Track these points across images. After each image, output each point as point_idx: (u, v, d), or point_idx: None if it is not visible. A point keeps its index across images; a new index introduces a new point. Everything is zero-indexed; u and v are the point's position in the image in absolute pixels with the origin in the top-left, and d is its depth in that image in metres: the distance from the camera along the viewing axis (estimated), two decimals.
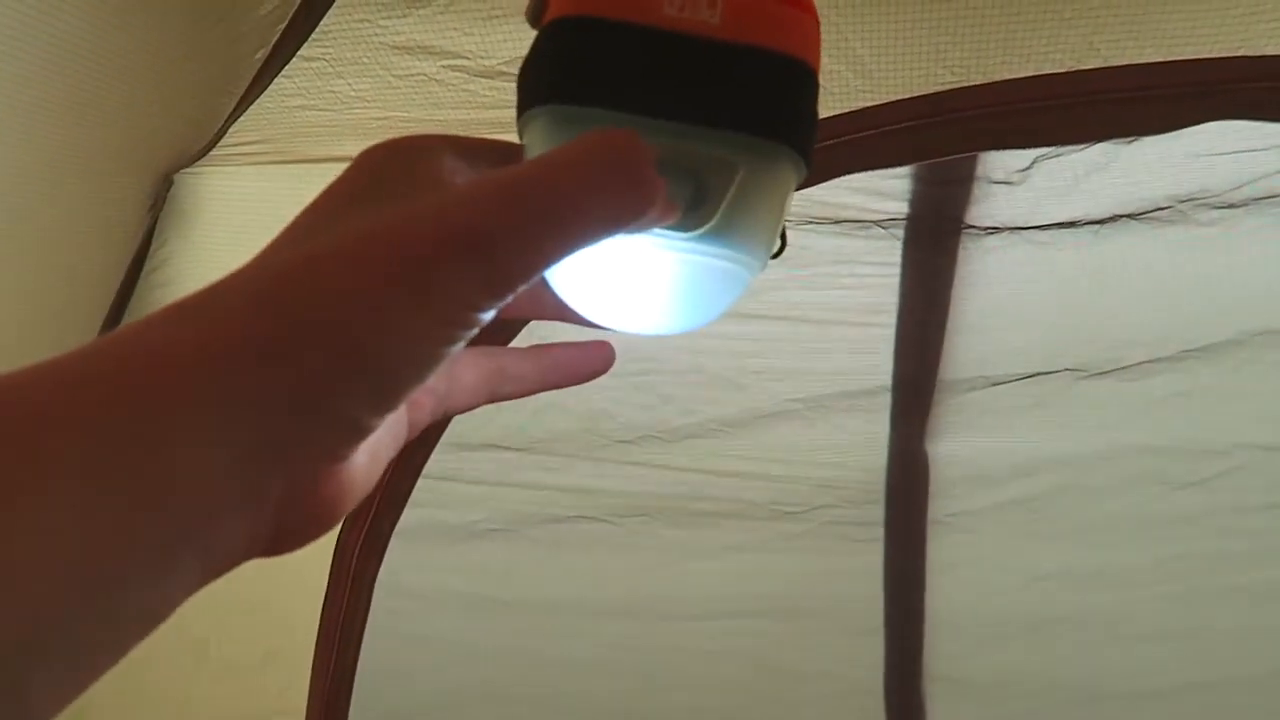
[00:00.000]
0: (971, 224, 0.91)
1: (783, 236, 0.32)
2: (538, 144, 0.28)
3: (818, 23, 0.30)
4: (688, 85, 0.27)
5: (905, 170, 0.91)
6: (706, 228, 0.28)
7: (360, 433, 0.24)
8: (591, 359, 0.35)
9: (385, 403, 0.23)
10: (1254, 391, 0.93)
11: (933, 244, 0.95)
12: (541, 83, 0.28)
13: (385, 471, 0.92)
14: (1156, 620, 1.12)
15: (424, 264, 0.22)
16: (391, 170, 0.26)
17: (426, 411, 0.31)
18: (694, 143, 0.27)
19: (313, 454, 0.23)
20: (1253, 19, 0.67)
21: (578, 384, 0.36)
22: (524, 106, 0.29)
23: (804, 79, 0.29)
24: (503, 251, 0.22)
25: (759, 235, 0.29)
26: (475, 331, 0.24)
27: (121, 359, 0.21)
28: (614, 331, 0.32)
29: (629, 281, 0.29)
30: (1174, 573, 1.08)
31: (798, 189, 0.30)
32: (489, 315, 0.24)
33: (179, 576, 0.21)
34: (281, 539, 0.24)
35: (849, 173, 0.78)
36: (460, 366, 0.27)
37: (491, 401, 0.34)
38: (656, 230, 0.27)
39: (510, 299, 0.23)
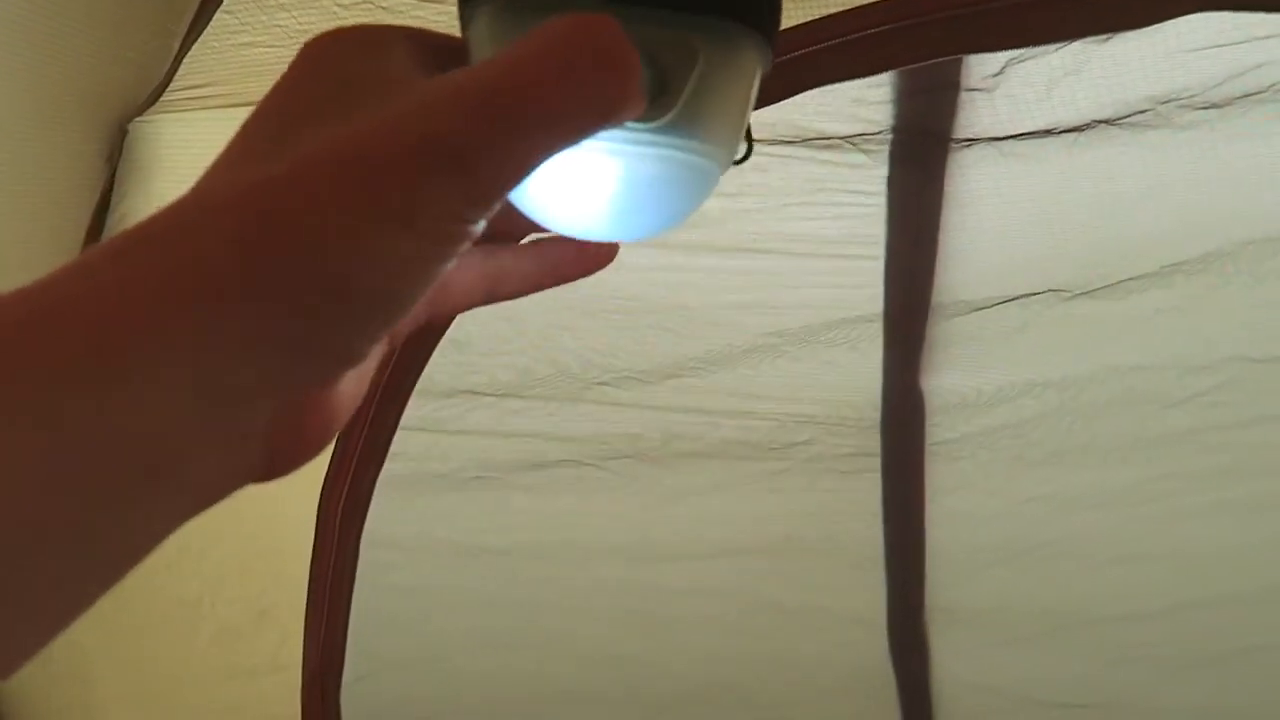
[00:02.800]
0: (950, 137, 0.89)
1: (749, 139, 0.30)
2: (486, 34, 0.26)
3: None
4: None
5: (884, 82, 0.87)
6: (668, 118, 0.26)
7: (352, 361, 0.23)
8: (594, 251, 0.33)
9: (378, 330, 0.22)
10: (1242, 302, 0.91)
11: (917, 161, 0.92)
12: None
13: (362, 423, 0.90)
14: (1147, 540, 1.11)
15: (405, 182, 0.21)
16: (346, 69, 0.24)
17: (413, 319, 0.30)
18: (651, 27, 0.25)
19: (301, 387, 0.23)
20: None
21: (580, 278, 0.33)
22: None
23: None
24: (485, 162, 0.21)
25: (724, 126, 0.28)
26: (468, 244, 0.23)
27: (81, 297, 0.20)
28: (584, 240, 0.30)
29: (589, 184, 0.27)
30: (1165, 491, 1.07)
31: (762, 82, 0.29)
32: (479, 227, 0.22)
33: (153, 513, 0.21)
34: (274, 465, 0.24)
35: (817, 85, 0.75)
36: (455, 267, 0.26)
37: (490, 302, 0.32)
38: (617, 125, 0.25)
39: (498, 207, 0.22)
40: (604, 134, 0.25)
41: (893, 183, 0.94)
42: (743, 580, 1.26)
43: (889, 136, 0.89)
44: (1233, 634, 1.14)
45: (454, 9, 0.27)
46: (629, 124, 0.26)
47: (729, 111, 0.28)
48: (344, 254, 0.21)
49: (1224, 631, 1.14)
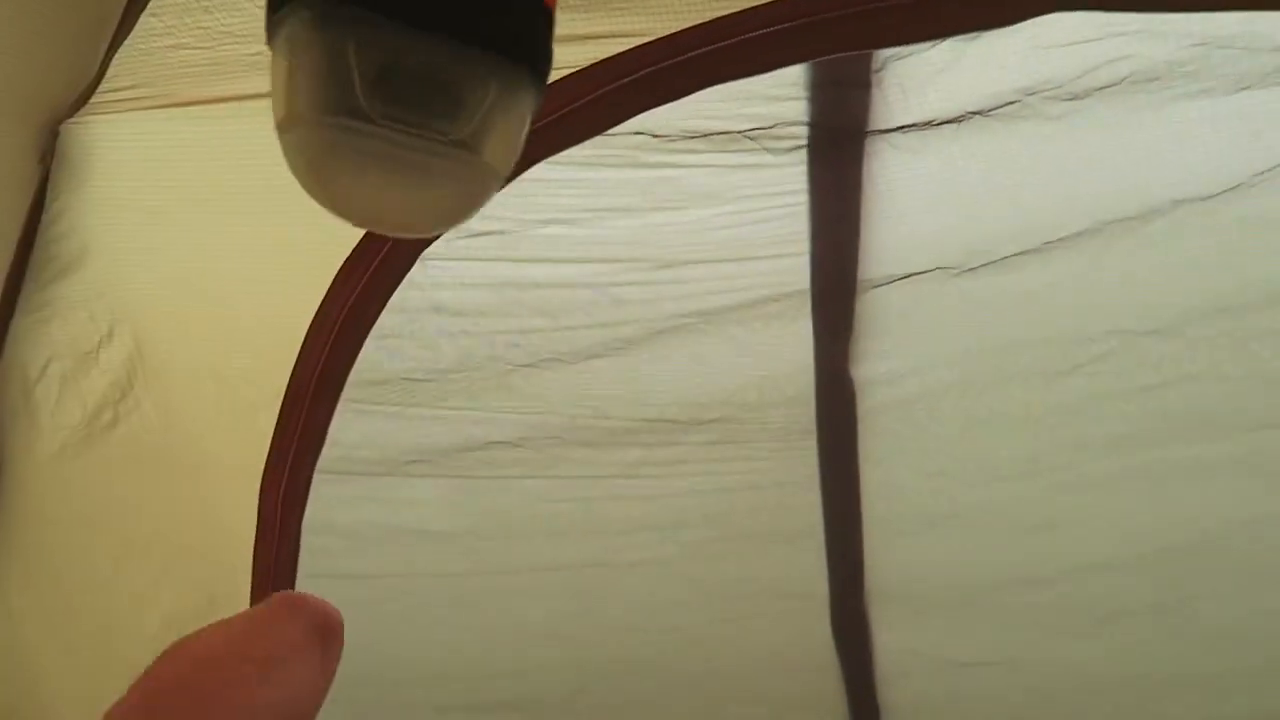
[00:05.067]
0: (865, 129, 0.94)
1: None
2: (290, 50, 0.30)
3: None
4: (450, 3, 0.30)
5: (796, 79, 0.92)
6: (462, 133, 0.31)
7: None
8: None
9: None
10: (1115, 278, 0.98)
11: (828, 155, 0.97)
12: None
13: (299, 413, 0.93)
14: (1046, 509, 1.17)
15: None
16: None
17: None
18: (452, 56, 0.30)
19: None
20: None
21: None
22: (279, 3, 0.30)
23: (548, 14, 0.32)
24: None
25: (504, 149, 0.32)
26: None
27: None
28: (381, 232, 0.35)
29: (387, 182, 0.32)
30: (1061, 463, 1.13)
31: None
32: None
33: None
34: None
35: (705, 86, 0.80)
36: None
37: None
38: (418, 132, 0.30)
39: None
40: (403, 138, 0.29)
41: (812, 176, 0.99)
42: (681, 554, 1.30)
43: (803, 131, 0.95)
44: (1125, 596, 1.21)
45: None
46: (429, 133, 0.30)
47: (511, 137, 0.32)
48: None
49: (1118, 593, 1.21)
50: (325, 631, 0.26)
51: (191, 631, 0.25)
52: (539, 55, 0.32)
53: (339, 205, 0.32)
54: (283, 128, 0.31)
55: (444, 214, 0.34)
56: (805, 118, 0.94)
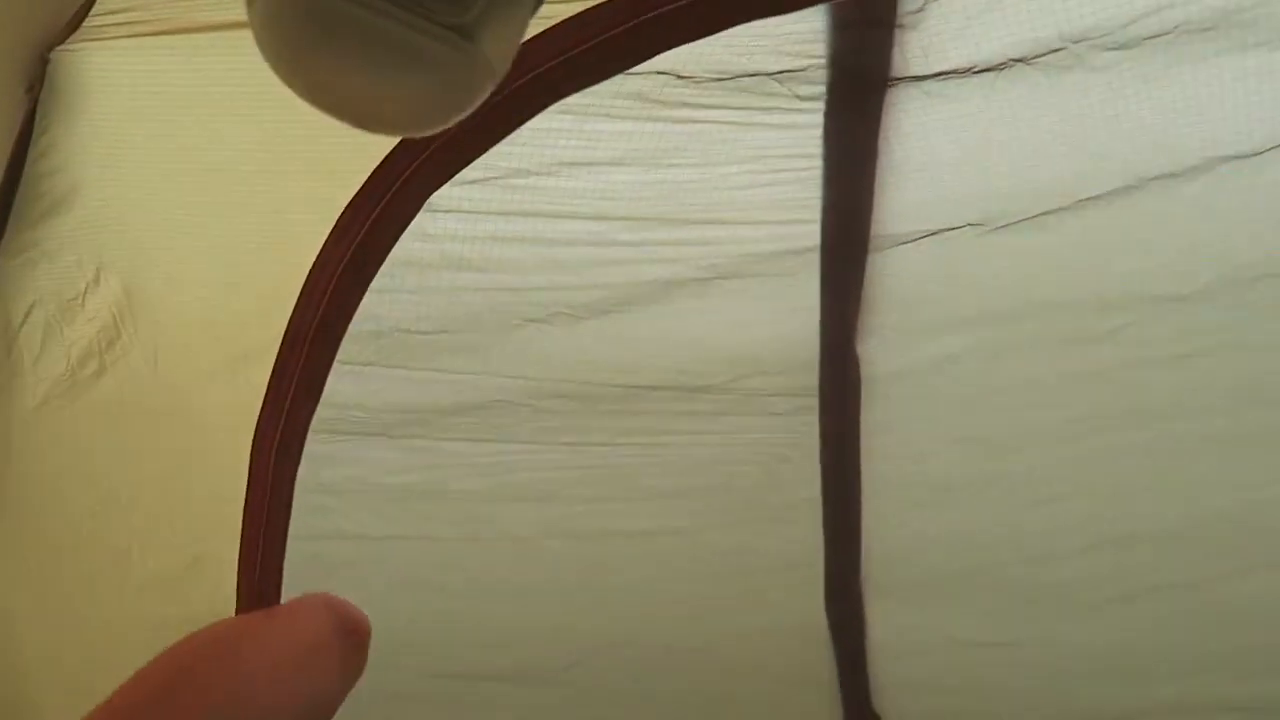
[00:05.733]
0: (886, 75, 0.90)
1: None
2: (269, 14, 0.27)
3: None
4: None
5: (816, 17, 0.88)
6: (461, 17, 0.27)
7: None
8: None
9: None
10: (1152, 240, 0.95)
11: (852, 100, 0.93)
12: None
13: (297, 361, 0.89)
14: (1065, 481, 1.15)
15: None
16: None
17: None
18: None
19: None
20: None
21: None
22: None
23: None
24: None
25: (502, 44, 0.29)
26: None
27: None
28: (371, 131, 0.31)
29: (370, 65, 0.28)
30: (1083, 431, 1.11)
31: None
32: None
33: None
34: None
35: (740, 23, 0.76)
36: None
37: None
38: (413, 8, 0.26)
39: None
40: (397, 13, 0.26)
41: (829, 121, 0.95)
42: (682, 521, 1.28)
43: (822, 73, 0.91)
44: (1142, 573, 1.19)
45: None
46: (426, 10, 0.27)
47: (512, 30, 0.29)
48: None
49: (1134, 571, 1.18)
50: (351, 637, 0.24)
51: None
52: None
53: (313, 90, 0.29)
54: (252, 4, 0.27)
55: (431, 109, 0.30)
56: (829, 60, 0.90)
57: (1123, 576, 1.20)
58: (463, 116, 0.30)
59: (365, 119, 0.30)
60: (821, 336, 1.11)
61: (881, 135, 0.94)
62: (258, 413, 1.10)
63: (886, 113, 0.92)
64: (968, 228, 0.94)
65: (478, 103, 0.30)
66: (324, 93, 0.29)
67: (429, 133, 0.30)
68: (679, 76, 0.85)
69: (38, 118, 0.99)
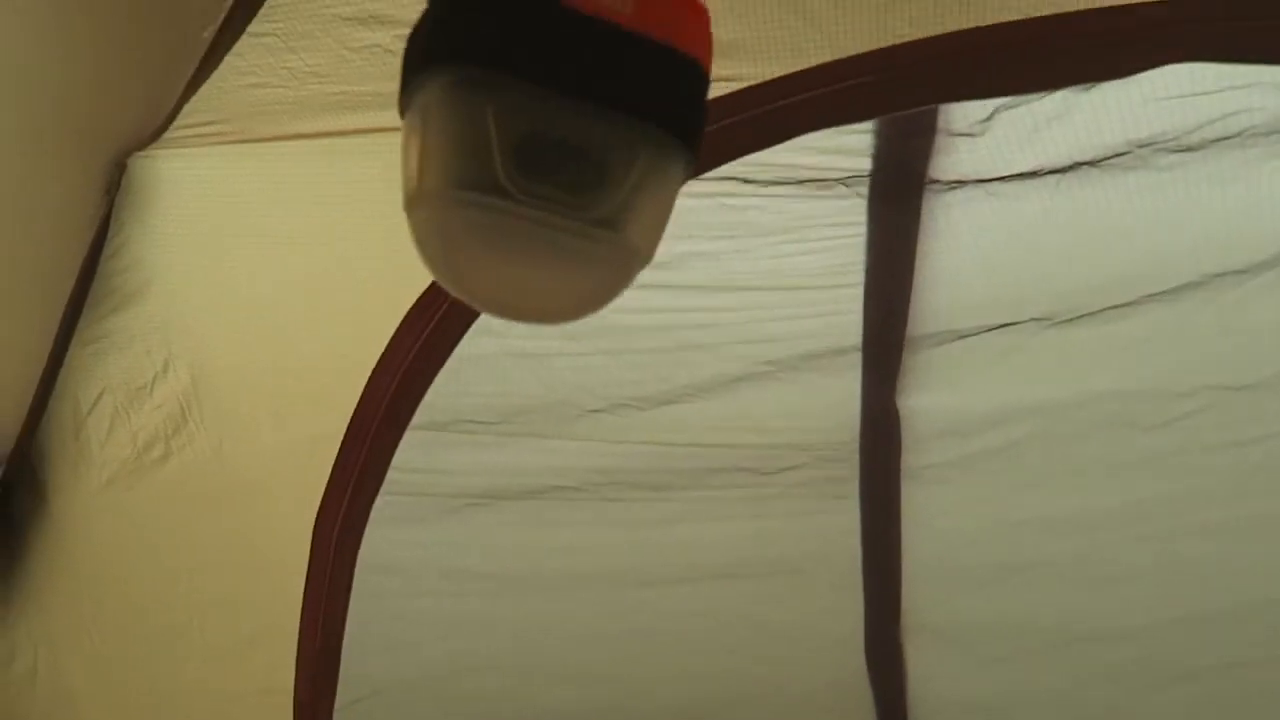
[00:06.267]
0: (935, 178, 0.92)
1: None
2: (423, 120, 0.27)
3: (710, 26, 0.30)
4: (598, 66, 0.27)
5: (867, 126, 0.91)
6: (606, 209, 0.28)
7: None
8: None
9: None
10: (1215, 332, 0.95)
11: (897, 200, 0.95)
12: (451, 40, 0.27)
13: (362, 444, 0.91)
14: (1128, 560, 1.14)
15: None
16: None
17: None
18: (599, 123, 0.27)
19: None
20: None
21: None
22: (417, 69, 0.27)
23: (702, 79, 0.29)
24: None
25: (650, 226, 0.29)
26: None
27: None
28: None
29: (522, 265, 0.29)
30: (1144, 514, 1.10)
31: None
32: None
33: None
34: None
35: (804, 131, 0.78)
36: None
37: None
38: (559, 209, 0.27)
39: None
40: (543, 216, 0.26)
41: (873, 219, 0.97)
42: (729, 602, 1.28)
43: (868, 176, 0.93)
44: (1208, 651, 1.17)
45: None
46: (571, 210, 0.27)
47: (657, 212, 0.30)
48: None
49: (1200, 649, 1.17)
50: None
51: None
52: (692, 121, 0.29)
53: (469, 290, 0.30)
54: (411, 205, 0.28)
55: (581, 301, 0.31)
56: (875, 162, 0.92)
57: (1187, 654, 1.19)
58: (611, 301, 0.31)
59: (519, 313, 0.31)
60: (862, 422, 1.13)
61: (929, 232, 0.96)
62: (319, 494, 1.11)
63: (940, 212, 0.94)
64: (1031, 322, 0.94)
65: (626, 287, 0.30)
66: (478, 292, 0.30)
67: (582, 318, 0.31)
68: (745, 181, 0.86)
69: (113, 218, 1.02)
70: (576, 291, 0.30)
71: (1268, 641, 1.14)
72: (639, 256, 0.30)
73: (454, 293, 0.30)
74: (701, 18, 0.29)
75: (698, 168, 0.87)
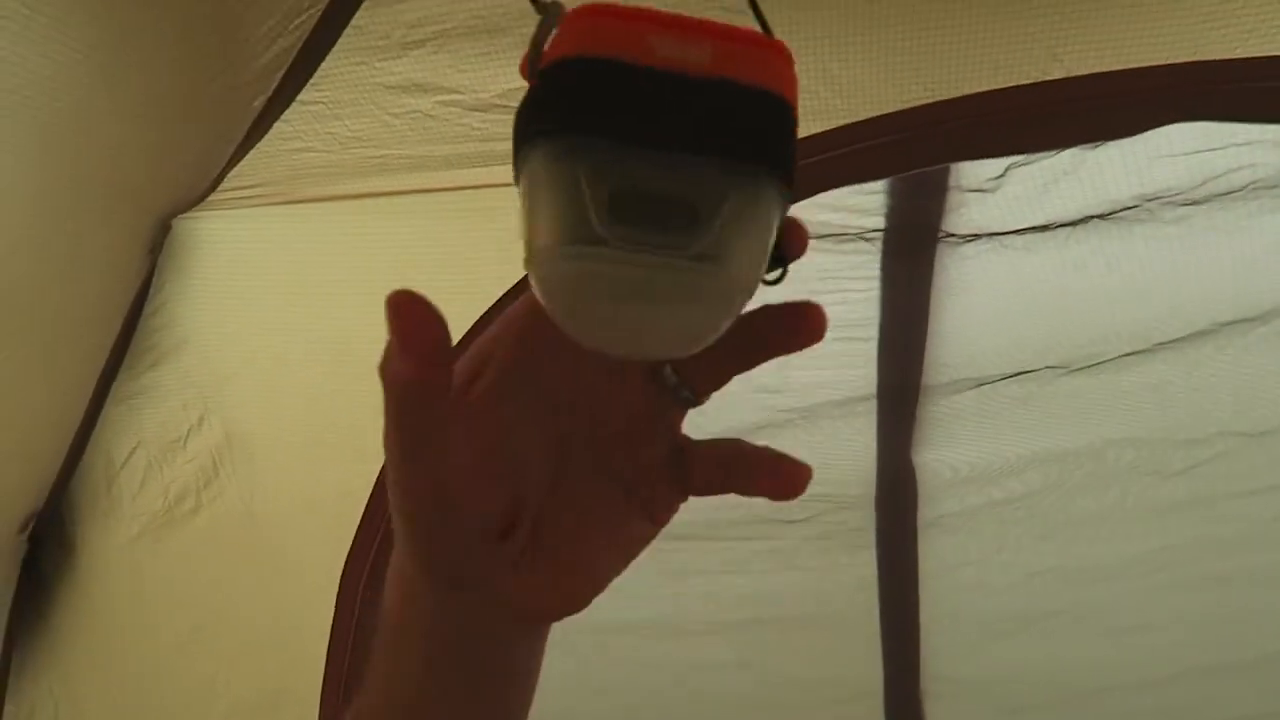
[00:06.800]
0: (949, 232, 0.95)
1: (784, 263, 0.35)
2: (529, 185, 0.30)
3: (793, 63, 0.33)
4: (682, 117, 0.30)
5: (880, 184, 0.94)
6: (701, 246, 0.30)
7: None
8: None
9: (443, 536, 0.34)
10: (1228, 379, 0.97)
11: (911, 254, 0.98)
12: (545, 114, 0.30)
13: (388, 505, 0.93)
14: (1148, 610, 1.14)
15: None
16: None
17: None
18: (689, 170, 0.30)
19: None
20: (1205, 26, 0.71)
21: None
22: (519, 143, 0.30)
23: (785, 112, 0.32)
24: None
25: (749, 257, 0.31)
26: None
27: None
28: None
29: (623, 300, 0.31)
30: (1163, 562, 1.11)
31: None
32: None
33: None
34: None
35: (830, 188, 0.81)
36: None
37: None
38: (657, 250, 0.30)
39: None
40: (643, 258, 0.29)
41: (887, 272, 1.00)
42: (748, 654, 1.28)
43: (883, 232, 0.96)
44: (1228, 702, 1.17)
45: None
46: (668, 250, 0.30)
47: (754, 244, 0.31)
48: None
49: (1219, 699, 1.17)
50: None
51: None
52: (776, 151, 0.32)
53: (593, 337, 0.32)
54: (528, 264, 0.31)
55: (692, 332, 0.33)
56: (889, 218, 0.95)
57: (1212, 705, 1.18)
58: (722, 331, 0.33)
59: (643, 351, 0.34)
60: (878, 473, 1.14)
61: (943, 285, 0.98)
62: (346, 550, 1.12)
63: (952, 266, 0.96)
64: (1046, 370, 0.97)
65: (736, 315, 0.33)
66: (600, 337, 0.32)
67: (697, 349, 0.33)
68: None
69: (155, 276, 1.05)
70: (687, 325, 0.33)
71: None
72: (740, 286, 0.32)
73: (579, 340, 0.32)
74: (780, 54, 0.32)
75: None
